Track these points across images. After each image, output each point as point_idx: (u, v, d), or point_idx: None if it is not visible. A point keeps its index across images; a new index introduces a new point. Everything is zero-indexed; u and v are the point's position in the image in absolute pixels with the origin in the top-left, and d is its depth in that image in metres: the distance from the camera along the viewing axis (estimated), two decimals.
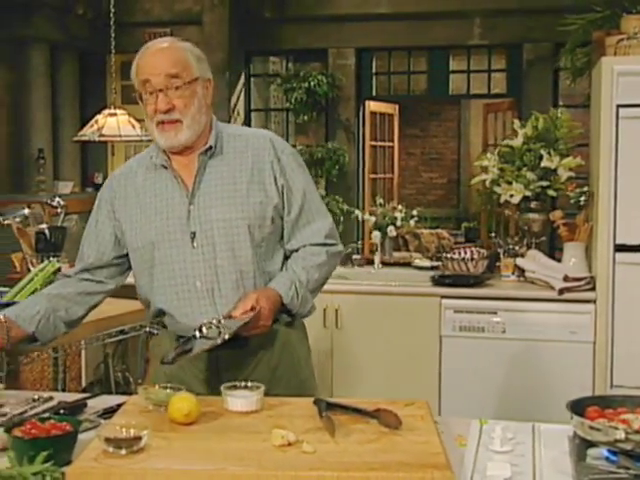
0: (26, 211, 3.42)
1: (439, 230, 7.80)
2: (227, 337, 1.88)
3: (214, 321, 1.98)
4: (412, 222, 4.82)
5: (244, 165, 2.11)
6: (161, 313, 2.15)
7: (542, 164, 3.95)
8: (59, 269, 2.96)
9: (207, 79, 2.12)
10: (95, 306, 2.24)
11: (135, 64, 2.09)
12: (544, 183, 3.97)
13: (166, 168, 2.11)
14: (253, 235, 2.08)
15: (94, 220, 2.20)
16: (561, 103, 7.52)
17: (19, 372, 3.32)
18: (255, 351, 2.10)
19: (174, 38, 2.15)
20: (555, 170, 3.96)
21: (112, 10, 6.16)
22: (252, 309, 1.96)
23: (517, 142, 4.04)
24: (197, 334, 2.00)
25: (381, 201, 5.05)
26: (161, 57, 2.06)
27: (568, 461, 1.62)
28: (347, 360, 3.99)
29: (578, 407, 1.67)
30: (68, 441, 1.58)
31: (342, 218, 7.37)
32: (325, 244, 2.18)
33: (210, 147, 2.11)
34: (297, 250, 2.17)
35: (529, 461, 1.63)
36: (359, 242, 5.63)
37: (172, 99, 2.03)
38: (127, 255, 2.18)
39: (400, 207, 4.84)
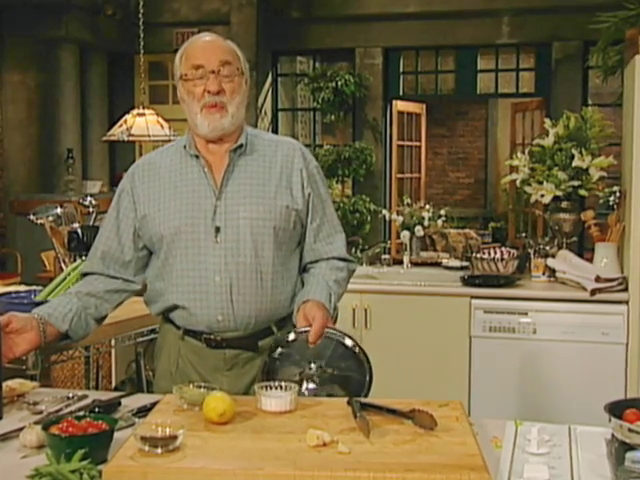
0: (59, 210, 3.45)
1: (467, 230, 7.76)
2: None
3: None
4: (440, 222, 4.81)
5: (273, 168, 2.14)
6: (172, 308, 2.14)
7: (573, 164, 3.91)
8: None
9: (246, 79, 2.17)
10: (121, 303, 2.24)
11: (184, 51, 2.13)
12: (575, 183, 3.93)
13: (198, 158, 2.13)
14: (277, 237, 2.10)
15: (114, 211, 2.19)
16: (590, 102, 7.45)
17: (50, 370, 3.34)
18: (262, 353, 2.13)
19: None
20: (587, 170, 3.92)
21: (141, 11, 6.22)
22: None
23: (548, 141, 4.01)
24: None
25: (408, 201, 5.04)
26: (215, 45, 2.12)
27: (606, 464, 1.61)
28: (376, 360, 3.92)
29: (616, 409, 1.65)
30: (104, 439, 1.59)
31: (369, 217, 7.38)
32: (346, 259, 2.25)
33: (241, 145, 2.13)
34: (318, 261, 2.21)
35: (566, 463, 1.61)
36: (389, 242, 5.61)
37: (222, 83, 2.08)
38: (144, 249, 2.18)
39: (428, 207, 4.83)
